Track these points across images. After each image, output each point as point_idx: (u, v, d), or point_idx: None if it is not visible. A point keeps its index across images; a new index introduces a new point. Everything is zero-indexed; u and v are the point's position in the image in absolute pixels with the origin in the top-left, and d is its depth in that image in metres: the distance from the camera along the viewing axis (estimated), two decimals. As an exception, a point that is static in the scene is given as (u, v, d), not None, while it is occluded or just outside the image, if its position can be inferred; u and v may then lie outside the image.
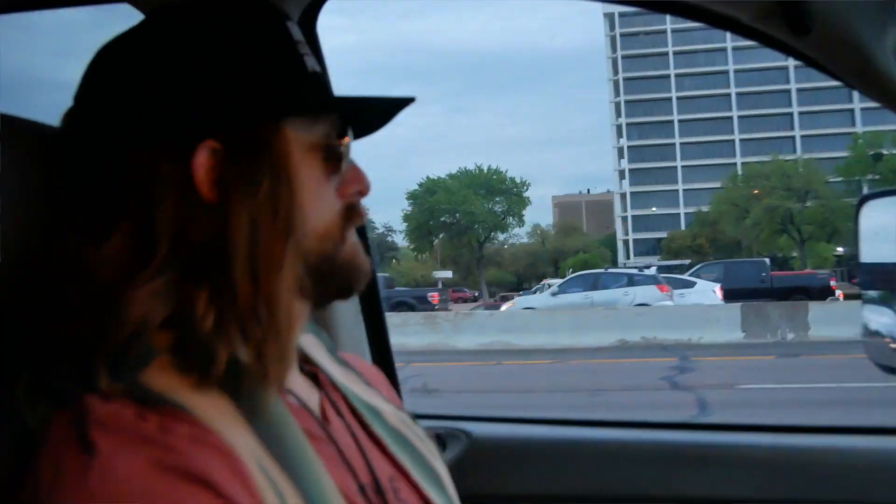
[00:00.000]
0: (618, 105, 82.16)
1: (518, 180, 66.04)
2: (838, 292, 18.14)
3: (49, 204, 0.70)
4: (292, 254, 0.69)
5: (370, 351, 1.32)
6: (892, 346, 1.32)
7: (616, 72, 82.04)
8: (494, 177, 65.40)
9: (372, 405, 0.86)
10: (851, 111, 69.06)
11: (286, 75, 0.74)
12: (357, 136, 0.82)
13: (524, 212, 67.11)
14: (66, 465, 0.57)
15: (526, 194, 66.37)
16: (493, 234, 65.60)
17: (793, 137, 72.87)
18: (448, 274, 54.29)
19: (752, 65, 71.85)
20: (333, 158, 0.75)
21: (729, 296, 18.79)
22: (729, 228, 52.15)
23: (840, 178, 50.77)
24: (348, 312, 1.30)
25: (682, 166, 78.79)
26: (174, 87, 0.70)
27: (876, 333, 1.39)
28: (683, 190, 78.41)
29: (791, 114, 74.75)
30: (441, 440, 1.26)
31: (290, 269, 0.69)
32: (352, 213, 0.77)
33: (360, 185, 0.78)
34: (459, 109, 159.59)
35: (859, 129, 60.64)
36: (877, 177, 46.08)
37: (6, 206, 0.68)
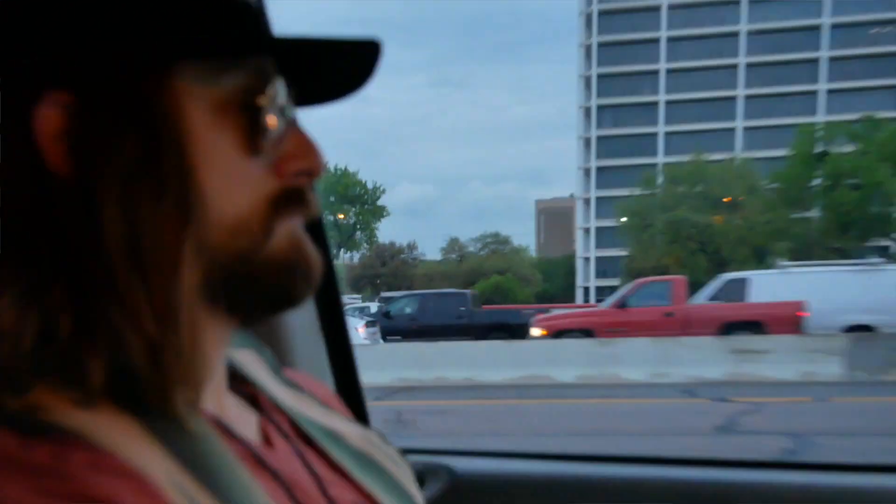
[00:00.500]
0: (587, 80, 61.15)
1: (371, 185, 57.86)
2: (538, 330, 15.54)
3: None
4: (192, 248, 0.52)
5: (332, 373, 1.14)
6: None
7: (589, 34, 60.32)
8: (343, 180, 56.53)
9: (329, 428, 0.73)
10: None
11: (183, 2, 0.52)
12: (310, 100, 0.62)
13: (377, 225, 58.77)
14: None
15: (381, 202, 58.31)
16: (339, 251, 55.70)
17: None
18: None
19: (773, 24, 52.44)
20: (256, 122, 0.54)
21: (414, 332, 17.80)
22: (632, 246, 43.51)
23: (776, 184, 38.01)
24: (303, 325, 1.09)
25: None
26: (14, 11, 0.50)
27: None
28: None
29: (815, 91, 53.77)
30: (420, 477, 1.09)
31: (191, 267, 0.52)
32: (291, 200, 0.57)
33: (306, 161, 0.57)
34: (448, 82, 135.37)
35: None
36: (817, 181, 34.46)
37: None
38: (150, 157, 0.50)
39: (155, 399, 0.51)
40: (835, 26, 52.09)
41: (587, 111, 62.02)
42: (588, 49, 59.86)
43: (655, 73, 59.35)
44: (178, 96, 0.51)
